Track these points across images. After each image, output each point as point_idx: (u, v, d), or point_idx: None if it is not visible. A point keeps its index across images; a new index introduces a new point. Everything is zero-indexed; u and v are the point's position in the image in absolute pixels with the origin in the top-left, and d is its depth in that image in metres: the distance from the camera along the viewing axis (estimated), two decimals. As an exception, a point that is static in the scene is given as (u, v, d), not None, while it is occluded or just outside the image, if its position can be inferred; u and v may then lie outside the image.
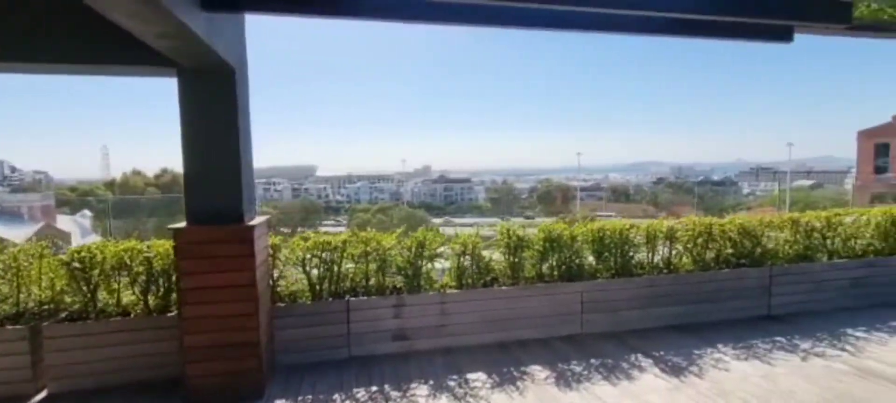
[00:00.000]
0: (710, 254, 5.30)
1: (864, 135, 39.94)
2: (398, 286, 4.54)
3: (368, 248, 4.40)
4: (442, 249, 4.65)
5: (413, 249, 4.49)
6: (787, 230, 5.57)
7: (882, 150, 38.71)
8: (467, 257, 4.65)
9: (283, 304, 4.15)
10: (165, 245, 3.84)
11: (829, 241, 5.67)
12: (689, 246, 5.23)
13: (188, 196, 3.44)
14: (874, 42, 4.99)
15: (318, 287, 4.31)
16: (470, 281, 4.64)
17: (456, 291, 4.52)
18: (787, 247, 5.50)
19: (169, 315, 3.82)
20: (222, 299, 3.42)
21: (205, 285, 3.39)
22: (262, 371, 3.53)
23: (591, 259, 5.00)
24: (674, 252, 5.23)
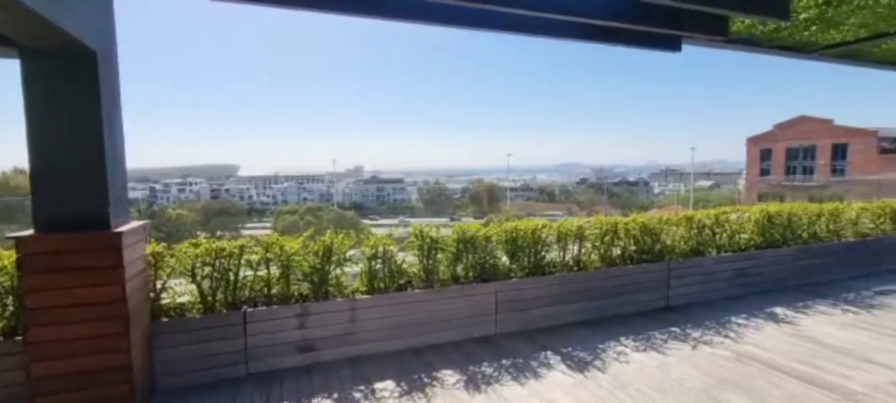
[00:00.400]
0: (616, 251, 5.57)
1: (751, 142, 45.16)
2: (304, 293, 4.26)
3: (270, 254, 4.08)
4: (352, 253, 4.44)
5: (320, 254, 4.23)
6: (682, 227, 6.01)
7: (766, 155, 44.03)
8: (379, 261, 4.47)
9: (166, 320, 3.70)
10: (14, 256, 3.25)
11: (718, 237, 6.21)
12: (596, 244, 5.45)
13: (36, 199, 2.92)
14: (760, 57, 5.51)
15: (210, 298, 3.91)
16: (382, 285, 4.47)
17: (367, 297, 4.32)
18: (682, 243, 5.94)
19: (18, 339, 3.24)
20: (83, 318, 2.96)
21: (59, 303, 2.90)
22: (134, 398, 3.10)
23: (505, 259, 5.04)
24: (583, 250, 5.42)
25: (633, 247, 5.61)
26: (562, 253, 5.34)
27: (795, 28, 4.07)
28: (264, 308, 3.97)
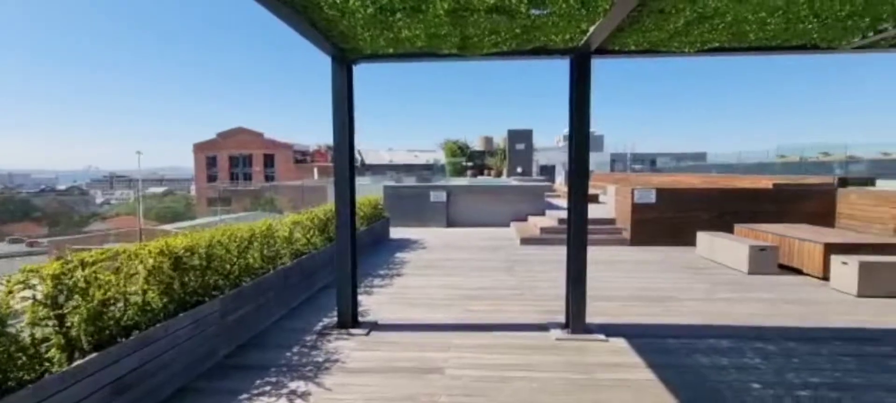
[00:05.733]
0: None
1: (198, 148, 44.69)
2: None
3: None
4: None
5: None
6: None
7: (212, 162, 44.83)
8: None
9: None
10: None
11: (70, 317, 2.87)
12: None
13: None
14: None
15: None
16: None
17: None
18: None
19: None
20: None
21: None
22: None
23: None
24: None
25: None
26: None
27: None
28: None
